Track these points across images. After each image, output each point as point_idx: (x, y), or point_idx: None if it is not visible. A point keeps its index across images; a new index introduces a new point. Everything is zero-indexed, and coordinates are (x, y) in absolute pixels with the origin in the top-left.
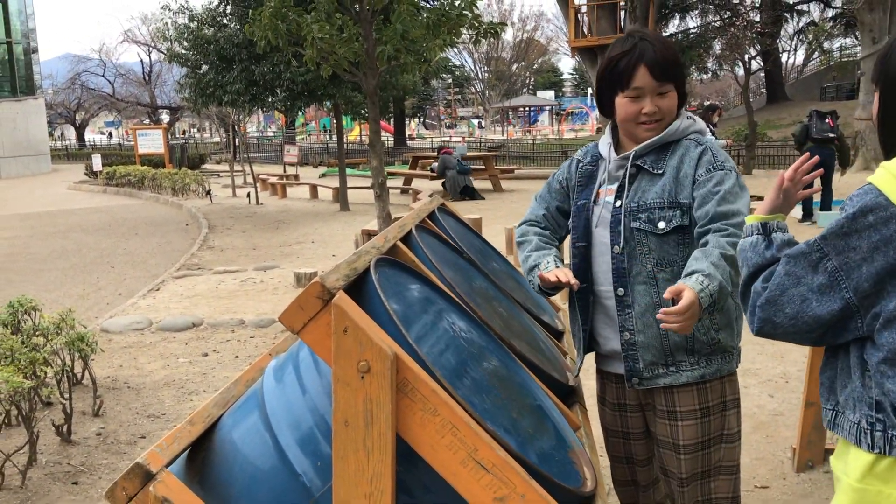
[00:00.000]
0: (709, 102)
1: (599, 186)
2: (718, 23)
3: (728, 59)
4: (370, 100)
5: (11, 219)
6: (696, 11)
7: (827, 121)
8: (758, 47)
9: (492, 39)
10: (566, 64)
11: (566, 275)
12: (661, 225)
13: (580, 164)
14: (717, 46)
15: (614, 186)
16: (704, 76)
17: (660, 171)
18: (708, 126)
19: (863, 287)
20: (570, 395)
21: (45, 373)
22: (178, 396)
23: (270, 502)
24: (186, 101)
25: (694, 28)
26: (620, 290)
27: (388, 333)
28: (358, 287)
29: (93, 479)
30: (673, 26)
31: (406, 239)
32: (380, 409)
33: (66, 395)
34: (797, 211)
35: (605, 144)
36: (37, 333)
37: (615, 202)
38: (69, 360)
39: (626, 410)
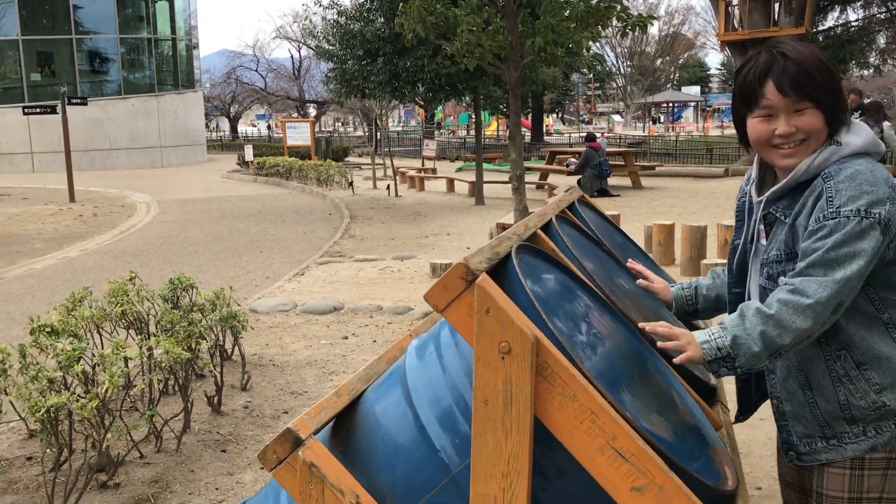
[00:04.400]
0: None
1: (756, 225)
2: (884, 14)
3: (894, 54)
4: (512, 92)
5: (170, 204)
6: (859, 3)
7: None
8: None
9: (638, 33)
10: (713, 59)
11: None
12: (783, 281)
13: (739, 195)
14: (882, 40)
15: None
16: (865, 72)
17: (788, 221)
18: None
19: None
20: (711, 394)
21: (200, 346)
22: (319, 376)
23: (409, 475)
24: (332, 93)
25: (856, 21)
26: None
27: (528, 317)
28: (499, 272)
29: (239, 448)
30: (832, 19)
31: (546, 229)
32: (519, 390)
33: (218, 369)
34: None
35: (749, 178)
36: (194, 309)
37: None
38: (221, 337)
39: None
